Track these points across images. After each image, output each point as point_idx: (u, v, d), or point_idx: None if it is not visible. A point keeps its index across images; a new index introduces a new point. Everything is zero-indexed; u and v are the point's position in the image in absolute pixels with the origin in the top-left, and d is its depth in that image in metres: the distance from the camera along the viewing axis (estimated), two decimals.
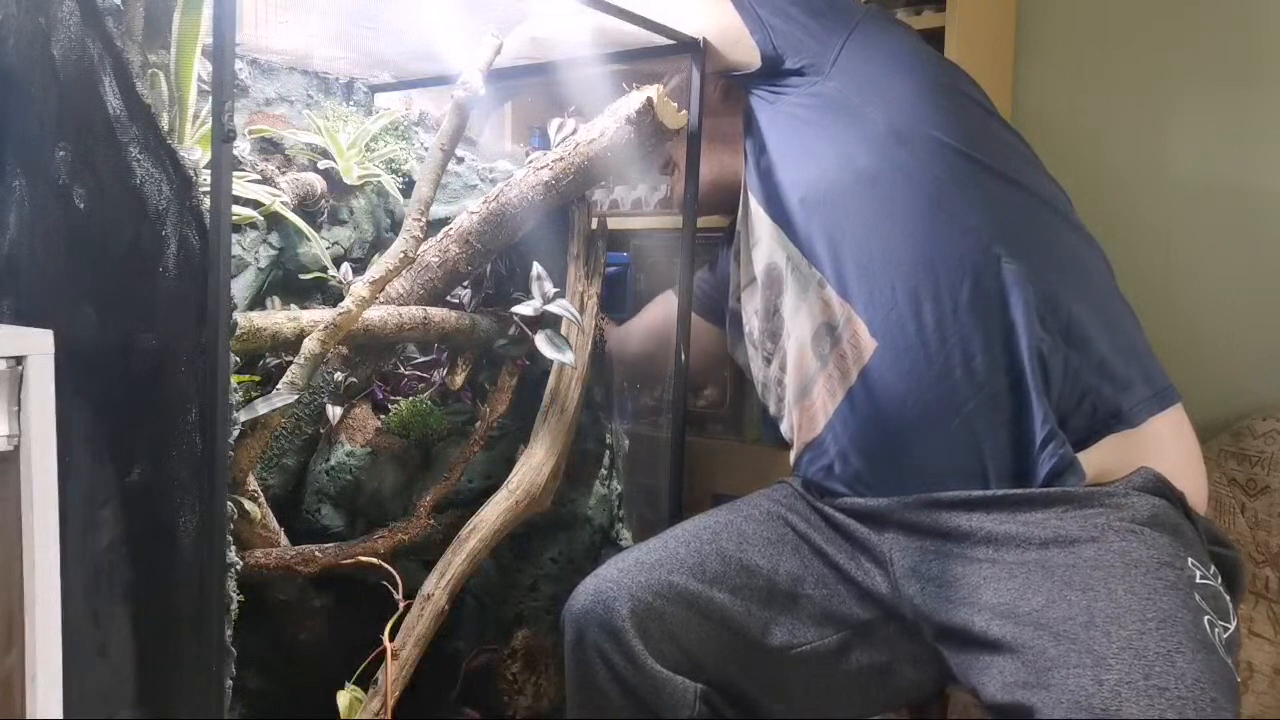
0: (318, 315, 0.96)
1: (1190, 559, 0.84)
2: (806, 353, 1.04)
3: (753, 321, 1.14)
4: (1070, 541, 0.86)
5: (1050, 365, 0.92)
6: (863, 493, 1.00)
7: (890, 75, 1.03)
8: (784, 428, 1.11)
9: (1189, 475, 0.94)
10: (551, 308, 1.09)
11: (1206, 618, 0.79)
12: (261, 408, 0.86)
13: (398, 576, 0.97)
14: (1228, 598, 0.85)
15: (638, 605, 0.96)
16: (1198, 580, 0.83)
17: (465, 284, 1.15)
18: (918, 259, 0.96)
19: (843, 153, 1.01)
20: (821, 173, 1.02)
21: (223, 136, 0.71)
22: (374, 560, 0.99)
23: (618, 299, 1.69)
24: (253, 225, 1.02)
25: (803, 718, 1.03)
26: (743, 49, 1.07)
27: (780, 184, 1.05)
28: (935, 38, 1.44)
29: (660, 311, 1.33)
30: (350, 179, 1.13)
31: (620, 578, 0.99)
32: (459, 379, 1.14)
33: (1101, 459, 0.92)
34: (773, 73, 1.06)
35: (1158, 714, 0.71)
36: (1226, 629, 0.81)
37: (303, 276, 1.07)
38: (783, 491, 1.09)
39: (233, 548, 0.77)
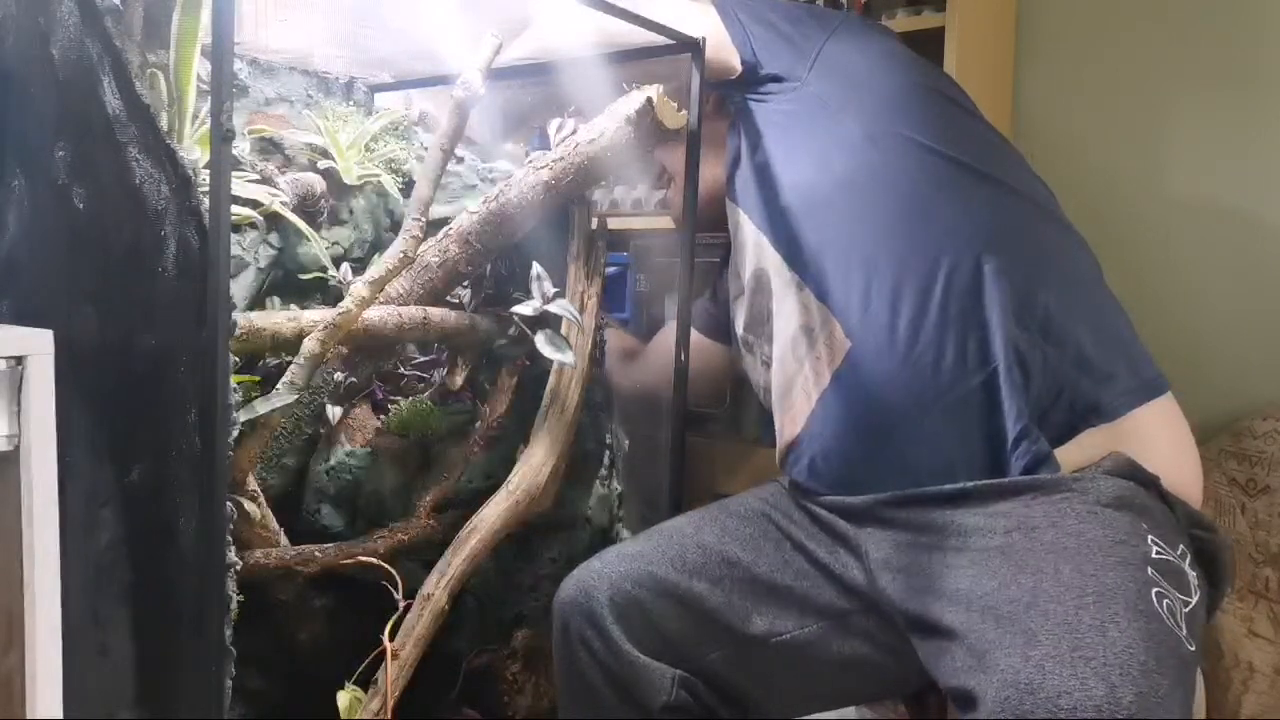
0: (318, 315, 0.96)
1: (1151, 536, 0.84)
2: (787, 355, 1.05)
3: (745, 328, 1.14)
4: (1032, 528, 0.86)
5: (1028, 362, 0.92)
6: (841, 491, 1.00)
7: (865, 78, 1.04)
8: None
9: (1179, 464, 0.94)
10: (551, 308, 1.09)
11: (1155, 589, 0.78)
12: (261, 408, 0.86)
13: (398, 576, 0.97)
14: (1192, 575, 0.84)
15: (617, 594, 0.99)
16: (1153, 556, 0.82)
17: (465, 284, 1.15)
18: (893, 259, 0.96)
19: (820, 157, 1.02)
20: (800, 177, 1.03)
21: (222, 136, 0.71)
22: (374, 560, 0.99)
23: (618, 299, 1.69)
24: (252, 225, 1.02)
25: (784, 705, 1.04)
26: (725, 55, 1.08)
27: (763, 190, 1.06)
28: (935, 38, 1.44)
29: (663, 348, 1.33)
30: (350, 179, 1.12)
31: (602, 568, 1.01)
32: (459, 379, 1.14)
33: (1081, 453, 0.92)
34: (752, 79, 1.07)
35: (1079, 682, 0.70)
36: (1187, 603, 0.80)
37: (303, 276, 1.07)
38: (770, 490, 1.10)
39: (233, 548, 0.77)
